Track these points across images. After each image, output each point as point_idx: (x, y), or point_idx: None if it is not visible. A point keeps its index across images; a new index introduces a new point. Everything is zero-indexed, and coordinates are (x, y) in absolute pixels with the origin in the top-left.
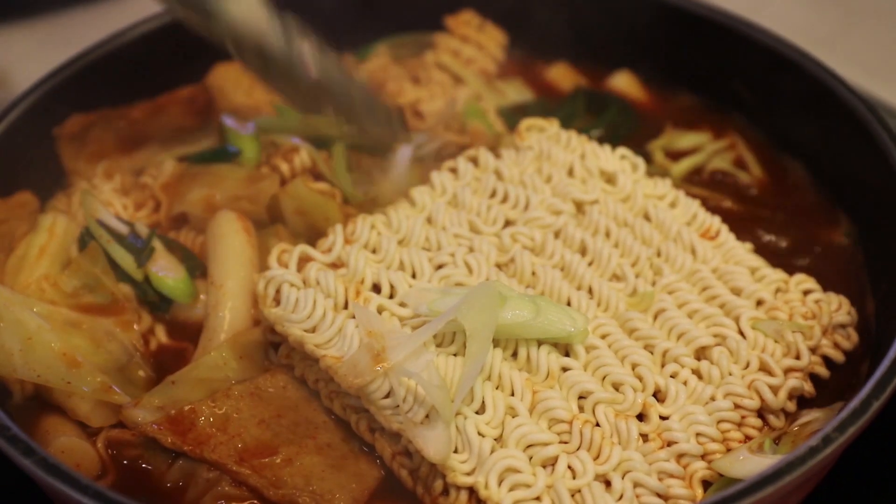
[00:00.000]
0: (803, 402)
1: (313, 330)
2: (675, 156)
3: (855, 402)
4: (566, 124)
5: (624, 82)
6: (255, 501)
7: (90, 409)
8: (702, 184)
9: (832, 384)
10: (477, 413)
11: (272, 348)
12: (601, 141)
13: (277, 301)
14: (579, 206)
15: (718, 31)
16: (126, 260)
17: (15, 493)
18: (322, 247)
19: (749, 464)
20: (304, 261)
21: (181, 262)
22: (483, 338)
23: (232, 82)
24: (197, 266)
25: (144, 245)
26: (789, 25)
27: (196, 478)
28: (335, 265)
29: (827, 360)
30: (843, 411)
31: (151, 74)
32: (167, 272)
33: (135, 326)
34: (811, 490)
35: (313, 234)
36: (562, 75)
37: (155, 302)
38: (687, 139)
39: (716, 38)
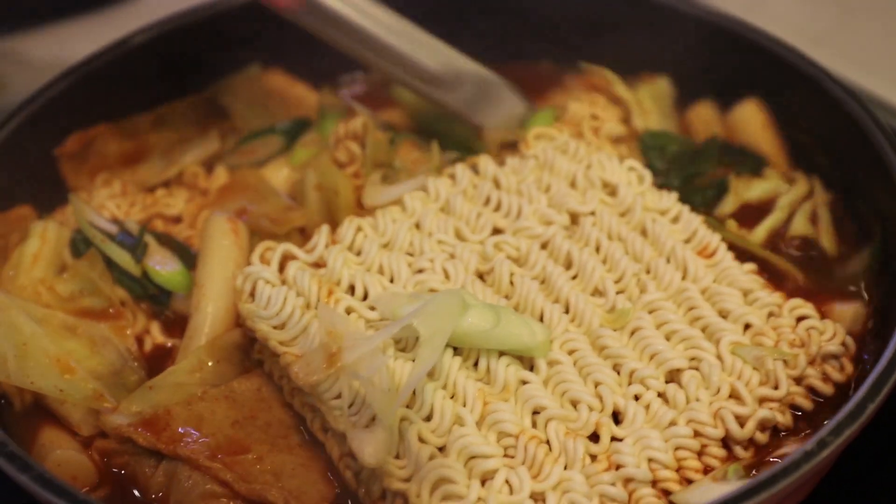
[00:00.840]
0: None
1: (282, 326)
2: (747, 213)
3: (850, 405)
4: (694, 176)
5: (748, 113)
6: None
7: (82, 417)
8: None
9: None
10: (425, 420)
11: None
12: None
13: (253, 297)
14: (574, 218)
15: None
16: (123, 257)
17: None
18: (307, 246)
19: (709, 492)
20: (287, 259)
21: (175, 254)
22: (436, 343)
23: (246, 96)
24: (190, 258)
25: (137, 241)
26: (785, 24)
27: (179, 477)
28: (317, 265)
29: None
30: (839, 414)
31: (151, 84)
32: (163, 265)
33: (128, 332)
34: (807, 495)
35: (325, 213)
36: (698, 115)
37: (155, 295)
38: (758, 187)
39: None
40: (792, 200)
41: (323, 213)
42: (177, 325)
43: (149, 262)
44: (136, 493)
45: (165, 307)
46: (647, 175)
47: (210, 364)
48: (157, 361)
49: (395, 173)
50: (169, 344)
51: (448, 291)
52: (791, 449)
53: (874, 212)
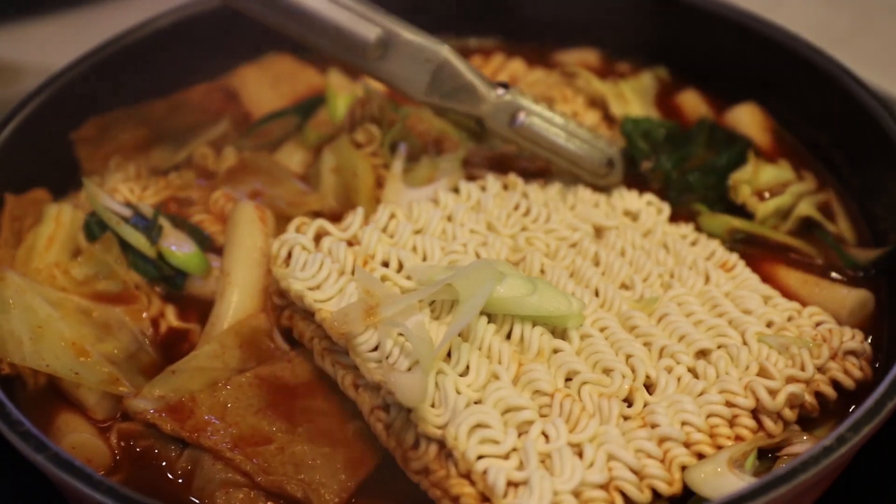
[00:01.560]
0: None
1: (317, 288)
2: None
3: (869, 402)
4: (684, 159)
5: (747, 115)
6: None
7: (97, 401)
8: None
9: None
10: (461, 375)
11: (276, 329)
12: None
13: (288, 263)
14: (598, 231)
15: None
16: (138, 239)
17: (28, 487)
18: (341, 225)
19: (721, 482)
20: (321, 235)
21: (189, 237)
22: (473, 303)
23: (256, 82)
24: (204, 240)
25: (152, 224)
26: (803, 26)
27: (203, 464)
28: (350, 242)
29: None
30: (858, 411)
31: (166, 71)
32: (179, 246)
33: (143, 315)
34: (824, 491)
35: (342, 195)
36: (688, 101)
37: (171, 277)
38: (769, 173)
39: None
40: (801, 190)
41: (340, 195)
42: (192, 308)
43: (164, 244)
44: (154, 477)
45: (181, 290)
46: (666, 208)
47: (233, 349)
48: (171, 345)
49: (417, 166)
50: (184, 327)
51: (485, 260)
52: (802, 447)
53: (890, 211)
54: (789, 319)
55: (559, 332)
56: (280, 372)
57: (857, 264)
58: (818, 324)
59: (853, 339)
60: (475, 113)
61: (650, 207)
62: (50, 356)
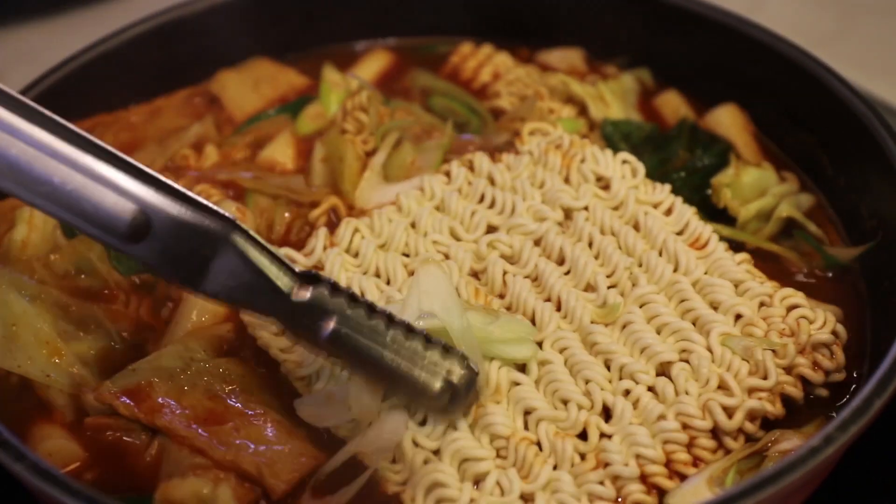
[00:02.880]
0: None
1: (282, 333)
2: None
3: (857, 401)
4: (666, 161)
5: (726, 118)
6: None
7: (66, 402)
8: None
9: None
10: (419, 425)
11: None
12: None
13: None
14: (568, 213)
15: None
16: None
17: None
18: (305, 250)
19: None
20: None
21: None
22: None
23: (236, 85)
24: None
25: None
26: (786, 27)
27: (170, 449)
28: (316, 267)
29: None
30: (845, 410)
31: (147, 76)
32: None
33: (121, 315)
34: (811, 493)
35: (331, 183)
36: (669, 103)
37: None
38: (751, 175)
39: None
40: (783, 191)
41: (329, 183)
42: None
43: None
44: (125, 467)
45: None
46: (641, 168)
47: (197, 351)
48: (145, 347)
49: (400, 151)
50: (159, 329)
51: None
52: (791, 444)
53: (874, 211)
54: (761, 306)
55: (518, 363)
56: (241, 371)
57: (838, 263)
58: (790, 308)
59: (824, 327)
60: (270, 316)
61: (625, 167)
62: (23, 357)
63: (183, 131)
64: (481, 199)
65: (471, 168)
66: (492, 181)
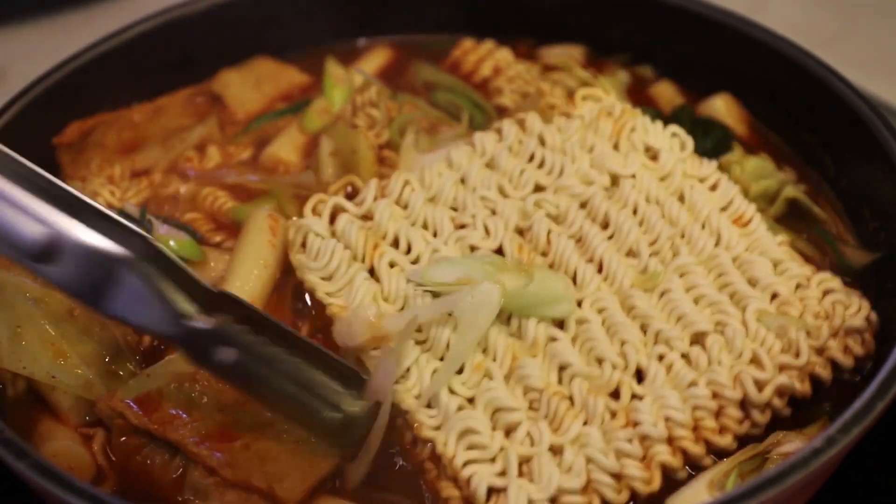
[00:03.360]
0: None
1: (329, 278)
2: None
3: (859, 403)
4: None
5: (722, 106)
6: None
7: (70, 405)
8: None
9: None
10: (457, 373)
11: None
12: None
13: (304, 247)
14: (614, 180)
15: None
16: None
17: (9, 496)
18: (357, 199)
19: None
20: (338, 211)
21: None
22: (470, 338)
23: (239, 84)
24: (192, 234)
25: (142, 219)
26: (789, 26)
27: (191, 469)
28: (365, 217)
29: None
30: (847, 412)
31: (149, 75)
32: (173, 235)
33: None
34: (813, 495)
35: (343, 176)
36: (663, 93)
37: None
38: (752, 162)
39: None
40: (783, 179)
41: (341, 176)
42: None
43: (159, 233)
44: (143, 488)
45: None
46: (690, 141)
47: None
48: (152, 351)
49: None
50: None
51: (485, 287)
52: (793, 447)
53: (877, 211)
54: (797, 288)
55: (556, 320)
56: None
57: (850, 267)
58: (826, 292)
59: (858, 313)
60: (170, 341)
61: (674, 140)
62: (28, 358)
63: (186, 132)
64: (531, 159)
65: (522, 128)
66: (542, 142)
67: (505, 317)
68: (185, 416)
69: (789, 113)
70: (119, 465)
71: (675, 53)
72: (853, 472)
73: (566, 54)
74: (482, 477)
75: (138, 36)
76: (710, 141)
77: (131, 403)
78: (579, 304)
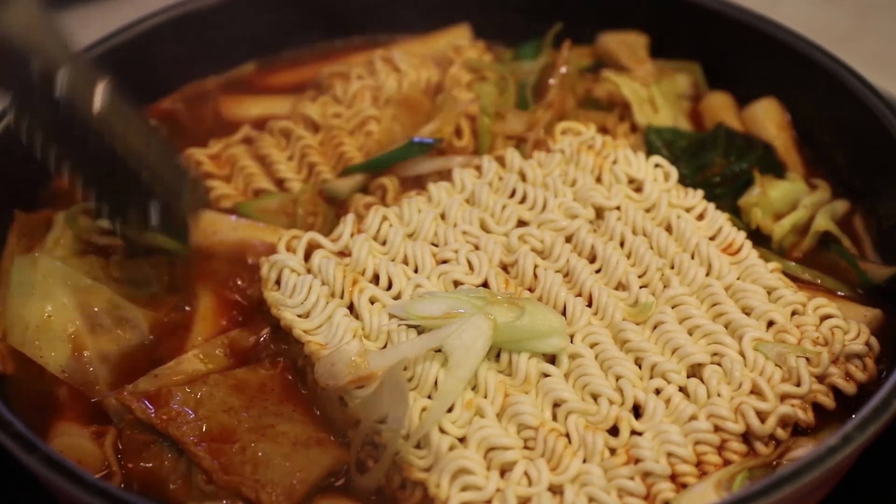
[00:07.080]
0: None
1: (307, 315)
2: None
3: (875, 401)
4: (703, 167)
5: (762, 112)
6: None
7: (75, 399)
8: (810, 261)
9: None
10: (447, 411)
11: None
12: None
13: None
14: (599, 212)
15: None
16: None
17: (19, 492)
18: (332, 235)
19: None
20: (313, 248)
21: None
22: (461, 375)
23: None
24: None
25: None
26: (803, 24)
27: (194, 471)
28: (342, 253)
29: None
30: (863, 410)
31: (149, 75)
32: None
33: (162, 319)
34: (827, 494)
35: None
36: (709, 106)
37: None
38: (780, 189)
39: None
40: (815, 201)
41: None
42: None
43: None
44: (152, 483)
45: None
46: (674, 172)
47: (220, 357)
48: (167, 357)
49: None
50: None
51: (475, 319)
52: (805, 451)
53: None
54: (793, 315)
55: (548, 355)
56: (261, 379)
57: (871, 283)
58: (823, 318)
59: (857, 338)
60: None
61: (657, 170)
62: (47, 348)
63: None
64: (512, 194)
65: (502, 163)
66: (523, 177)
67: (494, 352)
68: (191, 413)
69: (806, 113)
70: (127, 460)
71: (688, 53)
72: (868, 470)
73: (625, 42)
74: None
75: (135, 37)
76: (746, 163)
77: (141, 398)
78: (571, 338)
